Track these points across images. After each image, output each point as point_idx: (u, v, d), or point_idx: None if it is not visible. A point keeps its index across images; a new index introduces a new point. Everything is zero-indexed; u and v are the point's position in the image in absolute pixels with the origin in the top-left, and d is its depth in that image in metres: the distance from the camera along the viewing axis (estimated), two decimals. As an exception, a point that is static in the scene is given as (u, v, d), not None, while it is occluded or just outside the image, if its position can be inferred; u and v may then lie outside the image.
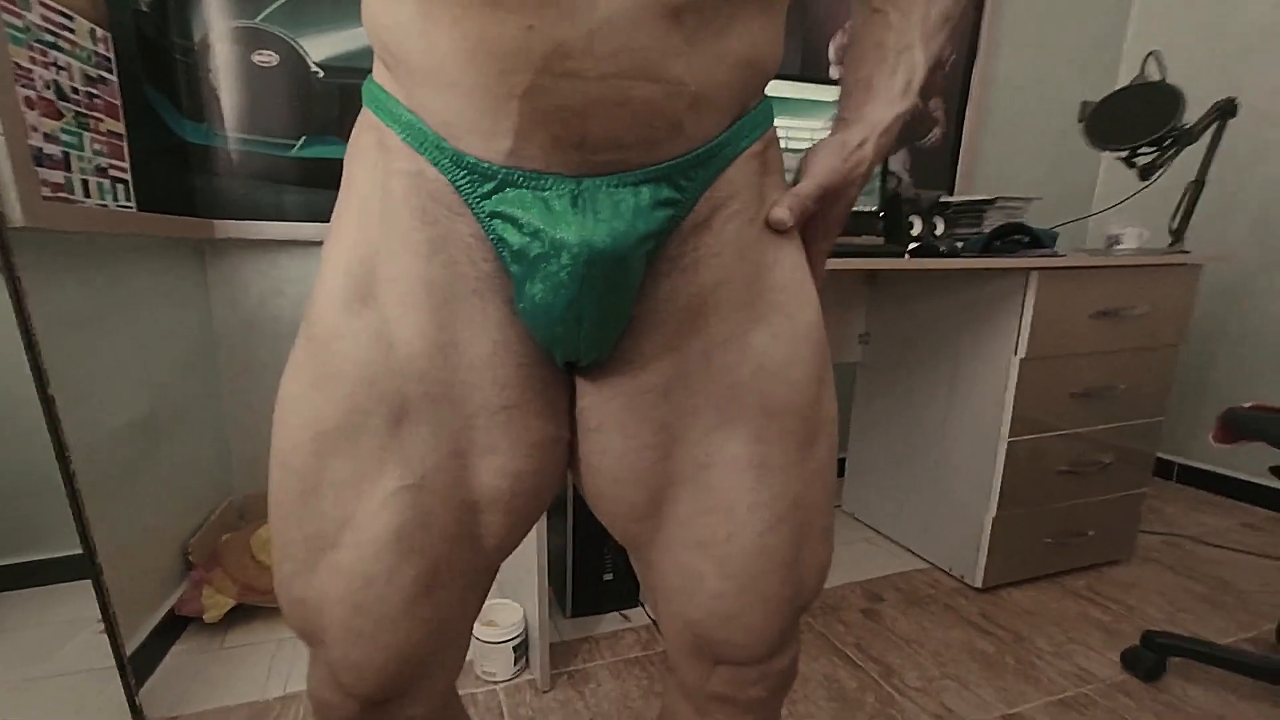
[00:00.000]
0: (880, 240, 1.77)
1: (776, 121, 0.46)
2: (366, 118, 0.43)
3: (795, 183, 0.47)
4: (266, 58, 1.38)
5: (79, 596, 0.92)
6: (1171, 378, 1.55)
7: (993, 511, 1.43)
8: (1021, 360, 1.37)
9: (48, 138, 0.92)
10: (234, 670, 1.15)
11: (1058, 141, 2.28)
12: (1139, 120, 1.53)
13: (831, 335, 1.83)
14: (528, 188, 0.37)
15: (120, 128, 1.11)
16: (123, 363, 1.11)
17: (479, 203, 0.38)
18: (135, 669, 1.00)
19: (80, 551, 0.90)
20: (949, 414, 1.56)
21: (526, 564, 1.11)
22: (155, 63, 1.24)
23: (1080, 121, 1.65)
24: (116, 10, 1.11)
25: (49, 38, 0.93)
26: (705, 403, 0.43)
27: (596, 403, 0.44)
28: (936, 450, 1.60)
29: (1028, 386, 1.39)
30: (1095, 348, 1.44)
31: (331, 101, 1.44)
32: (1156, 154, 1.56)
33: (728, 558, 0.44)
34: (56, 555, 0.92)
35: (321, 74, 1.42)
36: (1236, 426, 1.16)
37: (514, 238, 0.38)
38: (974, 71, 2.09)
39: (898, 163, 2.09)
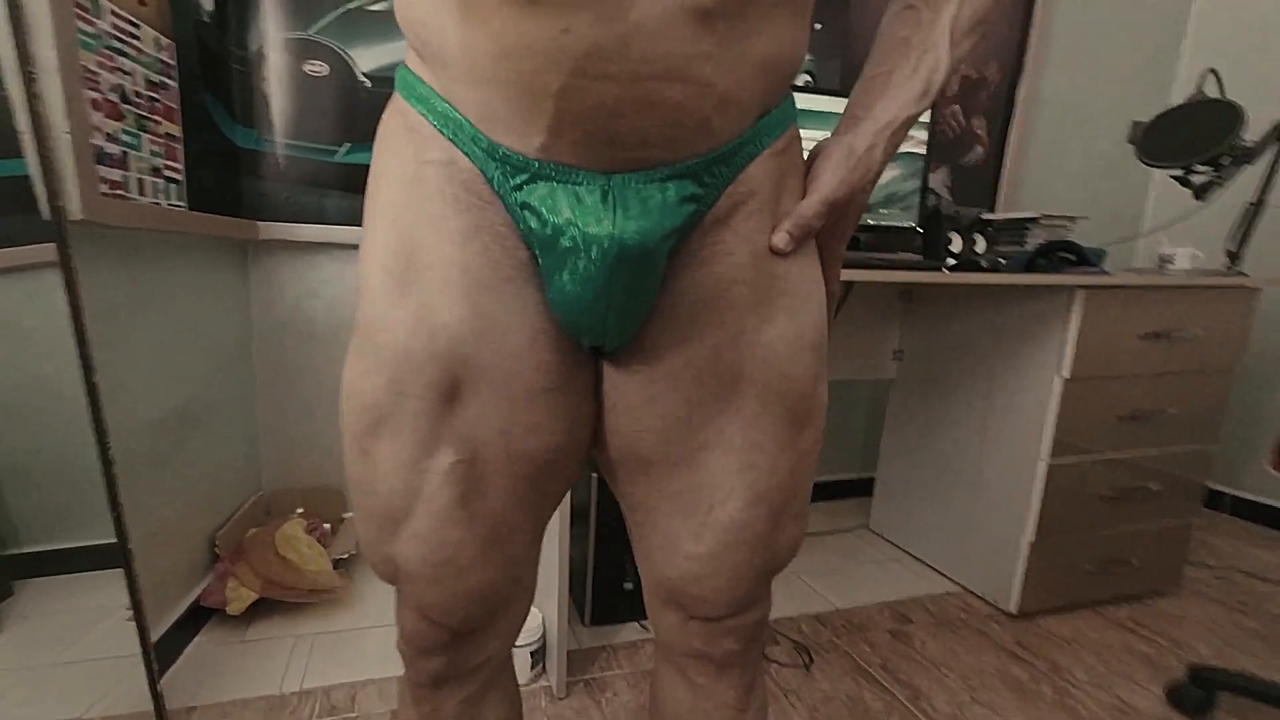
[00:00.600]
0: (918, 257, 1.74)
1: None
2: (398, 104, 0.44)
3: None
4: (317, 67, 1.43)
5: (102, 585, 0.94)
6: (1224, 404, 1.48)
7: (1030, 536, 1.38)
8: (1066, 380, 1.33)
9: (109, 138, 0.96)
10: (253, 663, 1.17)
11: (1105, 162, 2.22)
12: (1196, 138, 1.48)
13: (865, 351, 1.80)
14: (559, 181, 0.38)
15: (177, 130, 1.16)
16: (162, 355, 1.15)
17: (510, 194, 0.39)
18: (158, 658, 1.03)
19: (107, 540, 0.93)
20: (985, 434, 1.52)
21: (547, 571, 1.11)
22: (213, 70, 1.30)
23: (1130, 141, 1.60)
24: (180, 20, 1.16)
25: (117, 44, 0.98)
26: (710, 394, 0.45)
27: (612, 384, 0.46)
28: (971, 471, 1.55)
29: (1071, 407, 1.35)
30: (1144, 370, 1.39)
31: (376, 110, 1.49)
32: (1213, 172, 1.50)
33: (705, 528, 0.47)
34: (82, 544, 0.94)
35: (369, 84, 1.47)
36: (1295, 454, 1.11)
37: (543, 229, 0.39)
38: (1019, 89, 2.06)
39: (938, 181, 2.06)
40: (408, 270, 0.41)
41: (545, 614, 1.16)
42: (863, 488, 2.16)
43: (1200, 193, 1.54)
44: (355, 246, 1.55)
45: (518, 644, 1.12)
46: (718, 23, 0.35)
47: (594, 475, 1.26)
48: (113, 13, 0.97)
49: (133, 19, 1.02)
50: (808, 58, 1.83)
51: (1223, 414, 1.49)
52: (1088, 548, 1.44)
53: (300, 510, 1.48)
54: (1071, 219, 1.71)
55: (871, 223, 1.62)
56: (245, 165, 1.42)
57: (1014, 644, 1.33)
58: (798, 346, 0.45)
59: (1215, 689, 1.12)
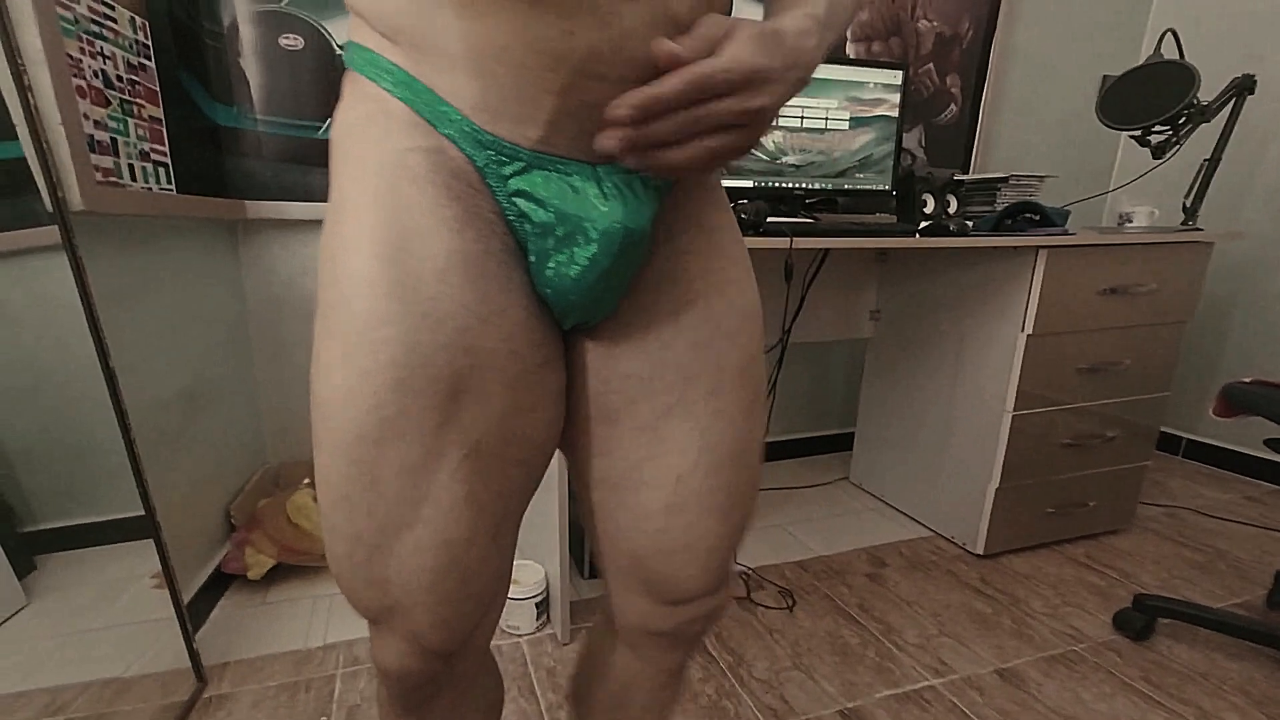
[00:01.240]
0: (893, 219, 1.80)
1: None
2: (364, 87, 0.42)
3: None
4: (292, 41, 1.42)
5: (121, 557, 0.99)
6: (1177, 354, 1.58)
7: (995, 482, 1.48)
8: (1029, 336, 1.41)
9: (97, 125, 0.97)
10: (277, 623, 1.24)
11: (1076, 119, 2.26)
12: (1152, 99, 1.53)
13: (844, 312, 1.87)
14: (554, 170, 0.41)
15: (160, 113, 1.16)
16: (166, 337, 1.19)
17: (502, 182, 0.41)
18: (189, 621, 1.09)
19: (124, 515, 0.98)
20: (955, 389, 1.60)
21: (549, 528, 1.18)
22: (188, 47, 1.29)
23: (1100, 96, 1.65)
24: (153, -3, 1.15)
25: (95, 28, 0.98)
26: (672, 359, 0.48)
27: (581, 353, 0.49)
28: (942, 423, 1.64)
29: (1033, 362, 1.43)
30: (1102, 324, 1.47)
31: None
32: (1170, 132, 1.56)
33: (676, 497, 0.49)
34: (100, 519, 0.97)
35: (346, 56, 1.45)
36: (1235, 401, 1.20)
37: (539, 215, 0.42)
38: (992, 47, 2.07)
39: (913, 140, 2.09)
40: (403, 260, 0.39)
41: (548, 569, 1.24)
42: (843, 442, 2.26)
43: (1158, 152, 1.60)
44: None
45: (523, 597, 1.20)
46: (688, 27, 0.39)
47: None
48: (88, -6, 0.96)
49: (108, 0, 1.01)
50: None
51: (1176, 363, 1.59)
52: (1048, 491, 1.54)
53: (307, 481, 1.53)
54: (1040, 178, 1.77)
55: (847, 187, 1.67)
56: (227, 143, 1.42)
57: (979, 581, 1.44)
58: (745, 316, 0.49)
59: (1156, 615, 1.24)
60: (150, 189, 1.11)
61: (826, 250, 1.77)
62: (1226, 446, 2.13)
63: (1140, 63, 1.61)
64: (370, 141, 0.41)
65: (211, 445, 1.33)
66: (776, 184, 1.57)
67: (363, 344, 0.39)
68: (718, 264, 0.49)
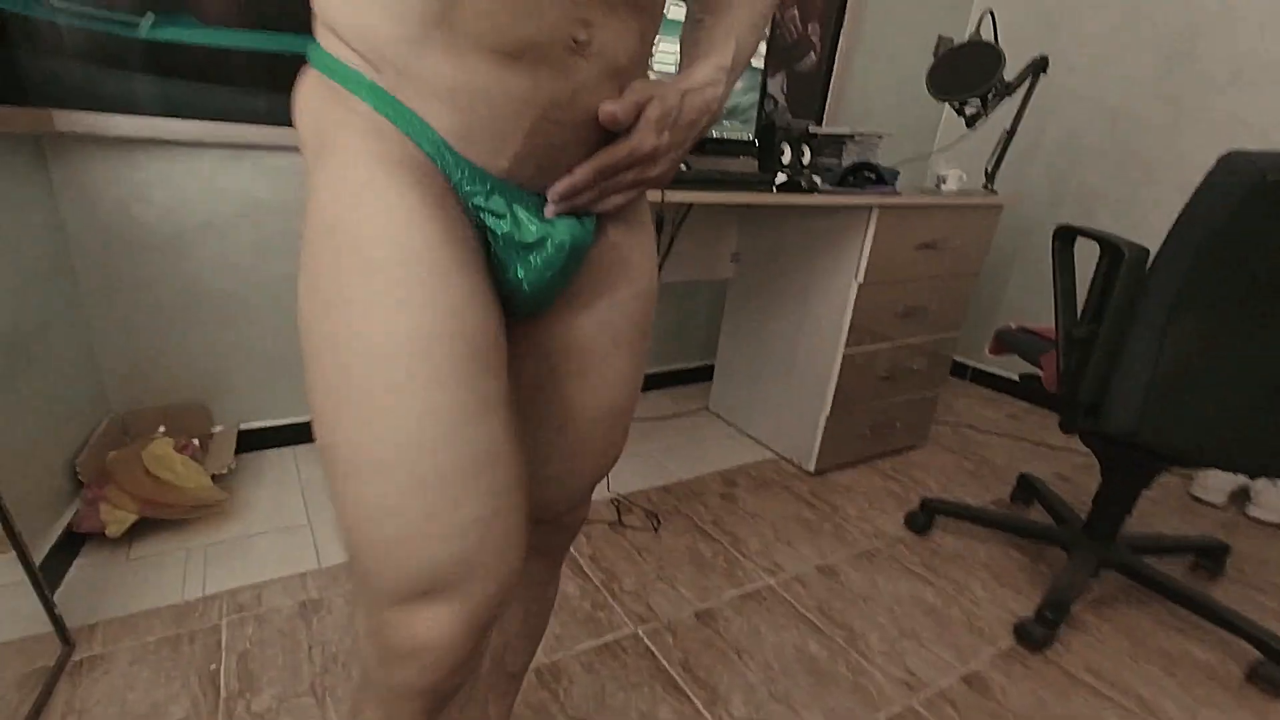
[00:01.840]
0: (755, 165, 1.93)
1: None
2: (343, 98, 0.44)
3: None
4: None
5: None
6: (969, 300, 1.90)
7: (827, 410, 1.74)
8: (860, 285, 1.63)
9: None
10: (147, 578, 1.21)
11: (915, 80, 2.45)
12: (969, 75, 1.76)
13: (708, 254, 2.01)
14: (512, 198, 0.48)
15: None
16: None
17: (471, 196, 0.47)
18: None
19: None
20: (800, 328, 1.82)
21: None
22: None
23: (934, 54, 1.85)
24: None
25: None
26: (607, 326, 0.57)
27: (519, 335, 0.57)
28: (788, 359, 1.87)
29: (862, 307, 1.67)
30: (917, 274, 1.73)
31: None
32: (980, 105, 1.81)
33: (567, 444, 0.60)
34: None
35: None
36: (1003, 342, 1.51)
37: (502, 228, 0.48)
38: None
39: (776, 86, 2.21)
40: (420, 249, 0.41)
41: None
42: (704, 374, 2.47)
43: (970, 122, 1.85)
44: (188, 145, 1.39)
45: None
46: (622, 79, 0.48)
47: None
48: None
49: None
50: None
51: (968, 306, 1.92)
52: (866, 416, 1.84)
53: (163, 429, 1.43)
54: (879, 136, 1.98)
55: (714, 135, 1.76)
56: (17, 36, 1.19)
57: (809, 495, 1.72)
58: (649, 297, 0.60)
59: (934, 513, 1.57)
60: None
61: (689, 206, 1.87)
62: (1000, 374, 2.62)
63: (964, 40, 1.82)
64: (353, 134, 0.43)
65: (43, 394, 1.21)
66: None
67: (412, 296, 0.41)
68: (636, 255, 0.58)
